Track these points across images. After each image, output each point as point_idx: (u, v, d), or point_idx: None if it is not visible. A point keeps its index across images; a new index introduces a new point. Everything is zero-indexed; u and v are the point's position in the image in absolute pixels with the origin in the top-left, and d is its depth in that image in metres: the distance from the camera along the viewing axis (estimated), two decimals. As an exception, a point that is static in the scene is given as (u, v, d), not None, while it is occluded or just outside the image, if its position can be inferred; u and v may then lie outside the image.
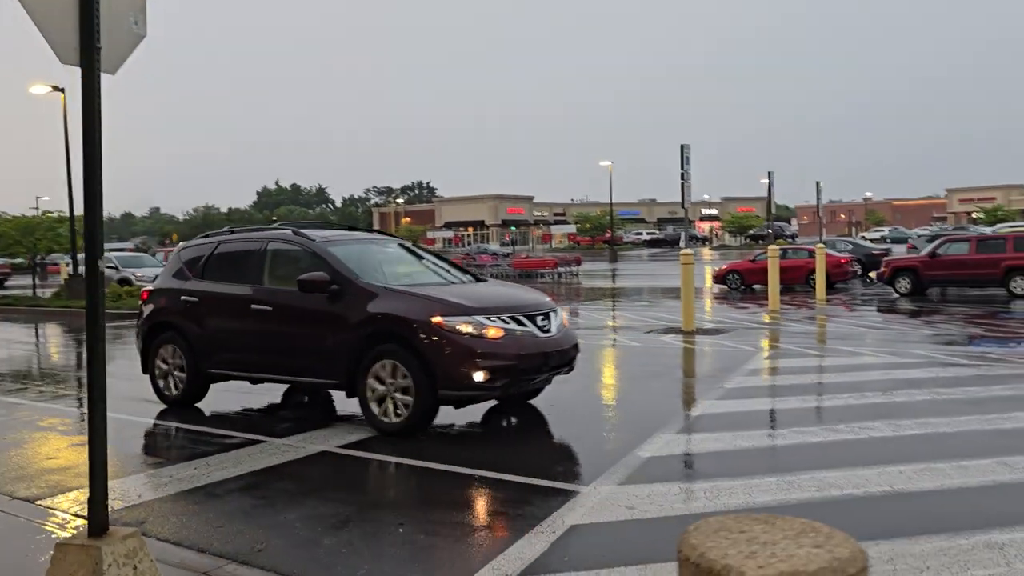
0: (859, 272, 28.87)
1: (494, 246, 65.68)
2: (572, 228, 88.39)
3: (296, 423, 8.12)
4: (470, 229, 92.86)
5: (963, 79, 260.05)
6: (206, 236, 9.54)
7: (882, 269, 24.17)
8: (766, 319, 17.42)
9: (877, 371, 10.05)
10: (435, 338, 6.96)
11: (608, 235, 76.64)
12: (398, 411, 7.15)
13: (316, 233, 8.49)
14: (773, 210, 24.42)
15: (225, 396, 9.35)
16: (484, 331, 7.04)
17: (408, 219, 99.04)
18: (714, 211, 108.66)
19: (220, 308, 8.53)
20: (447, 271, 8.82)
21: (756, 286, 26.82)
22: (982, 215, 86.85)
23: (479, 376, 6.88)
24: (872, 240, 55.96)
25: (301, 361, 7.85)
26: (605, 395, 9.54)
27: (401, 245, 9.42)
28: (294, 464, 6.62)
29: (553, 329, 7.61)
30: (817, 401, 8.38)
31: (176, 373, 8.88)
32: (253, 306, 8.15)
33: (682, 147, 15.26)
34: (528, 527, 4.87)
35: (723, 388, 9.27)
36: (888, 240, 60.63)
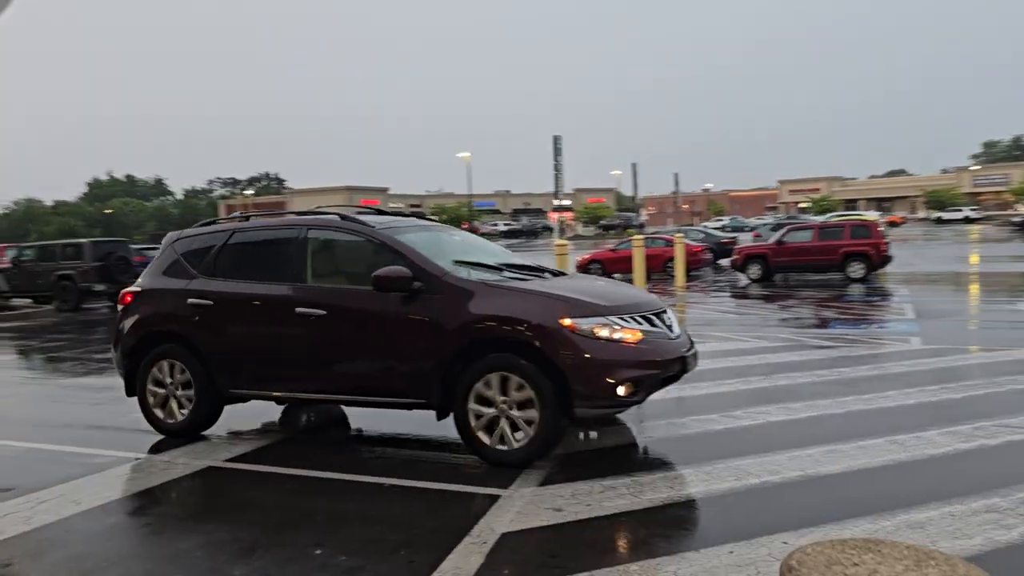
0: (712, 260, 30.27)
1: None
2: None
3: (165, 441, 7.38)
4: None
5: (790, 78, 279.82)
6: (206, 224, 7.77)
7: (734, 256, 25.45)
8: (635, 307, 17.81)
9: (752, 356, 10.43)
10: (569, 345, 5.73)
11: (465, 226, 76.69)
12: (517, 434, 5.90)
13: (371, 219, 7.07)
14: (638, 199, 25.12)
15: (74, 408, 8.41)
16: (623, 334, 5.90)
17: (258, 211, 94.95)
18: (567, 202, 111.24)
19: (247, 313, 6.87)
20: (523, 262, 7.34)
21: (616, 275, 27.57)
22: (809, 205, 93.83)
23: (622, 389, 5.75)
24: (714, 229, 58.95)
25: (371, 377, 6.39)
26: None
27: (464, 232, 8.17)
28: (179, 484, 5.99)
29: (676, 329, 6.55)
30: (708, 388, 8.54)
31: (180, 393, 7.16)
32: (298, 310, 6.56)
33: (555, 138, 15.32)
34: (456, 539, 4.58)
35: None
36: (728, 229, 64.16)
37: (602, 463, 6.01)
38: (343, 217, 7.02)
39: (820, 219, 32.61)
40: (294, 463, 6.30)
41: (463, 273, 6.34)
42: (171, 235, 7.88)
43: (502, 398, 5.91)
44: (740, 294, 20.59)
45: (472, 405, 5.96)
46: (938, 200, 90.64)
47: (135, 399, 7.41)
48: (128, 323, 7.45)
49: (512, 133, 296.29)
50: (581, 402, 5.77)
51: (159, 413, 7.25)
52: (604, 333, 5.83)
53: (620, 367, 5.76)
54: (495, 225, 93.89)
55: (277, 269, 6.89)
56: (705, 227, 46.16)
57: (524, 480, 5.62)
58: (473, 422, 5.96)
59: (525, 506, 5.10)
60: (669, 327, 6.38)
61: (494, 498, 5.27)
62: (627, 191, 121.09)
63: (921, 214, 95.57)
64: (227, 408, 7.37)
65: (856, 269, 22.63)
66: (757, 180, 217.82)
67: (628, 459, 6.13)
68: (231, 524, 5.05)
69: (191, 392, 7.08)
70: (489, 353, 5.94)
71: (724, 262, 31.82)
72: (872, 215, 54.72)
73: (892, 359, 9.86)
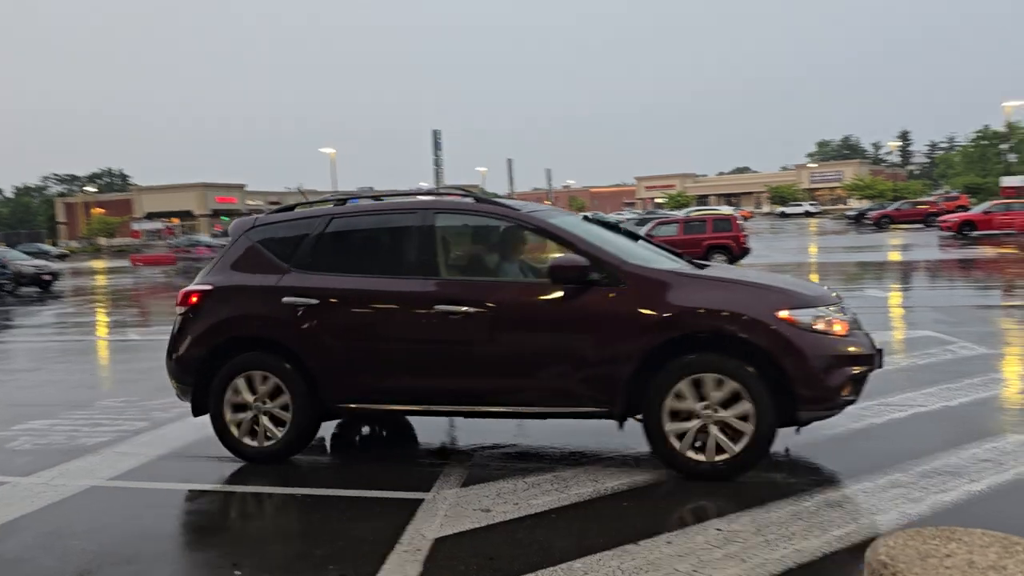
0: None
1: (206, 237, 60.94)
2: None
3: (36, 456, 6.68)
4: (175, 220, 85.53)
5: (642, 71, 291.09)
6: (285, 209, 6.68)
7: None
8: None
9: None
10: (791, 341, 5.06)
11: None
12: (727, 442, 5.18)
13: (508, 201, 6.33)
14: (513, 196, 25.12)
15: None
16: (837, 327, 5.28)
17: (101, 210, 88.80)
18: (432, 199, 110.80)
19: (366, 312, 5.85)
20: (662, 249, 6.60)
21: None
22: (665, 200, 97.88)
23: (846, 389, 5.19)
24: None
25: (535, 383, 5.50)
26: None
27: (588, 217, 7.27)
28: (59, 508, 5.41)
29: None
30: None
31: (270, 409, 6.02)
32: (437, 307, 5.57)
33: (434, 132, 15.25)
34: (387, 548, 4.36)
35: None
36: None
37: (521, 462, 5.93)
38: (478, 199, 6.25)
39: (683, 214, 33.95)
40: (182, 478, 5.85)
41: (641, 261, 5.62)
42: (242, 222, 6.58)
43: (702, 403, 5.19)
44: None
45: (668, 411, 5.23)
46: (781, 196, 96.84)
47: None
48: (197, 328, 6.16)
49: (387, 130, 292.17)
50: (806, 406, 5.15)
51: (240, 434, 6.08)
52: (821, 326, 5.20)
53: (841, 364, 5.17)
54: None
55: (398, 260, 5.95)
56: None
57: (445, 482, 5.46)
58: (668, 429, 5.24)
59: (451, 509, 4.93)
60: (854, 319, 5.70)
61: (417, 502, 5.07)
62: (492, 188, 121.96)
63: (766, 209, 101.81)
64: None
65: (719, 261, 23.75)
66: (616, 177, 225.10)
67: (546, 455, 6.07)
68: (133, 544, 4.60)
69: (284, 408, 5.96)
70: (686, 352, 5.22)
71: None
72: (726, 210, 57.72)
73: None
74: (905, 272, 21.34)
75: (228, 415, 6.05)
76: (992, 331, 11.00)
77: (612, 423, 5.52)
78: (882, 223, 49.01)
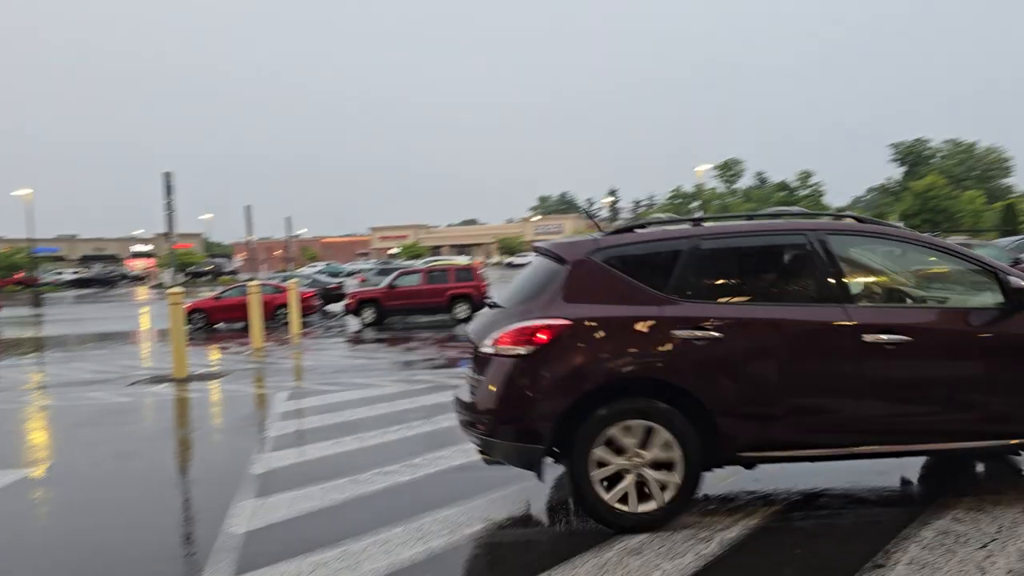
0: (322, 306, 29.94)
1: None
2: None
3: None
4: None
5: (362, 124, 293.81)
6: (624, 230, 5.61)
7: (348, 301, 25.45)
8: (257, 358, 16.75)
9: (404, 400, 10.34)
10: None
11: (21, 275, 66.08)
12: None
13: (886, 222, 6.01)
14: (255, 244, 23.50)
15: None
16: None
17: None
18: (147, 247, 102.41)
19: (780, 344, 5.10)
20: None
21: (221, 324, 25.85)
22: (399, 250, 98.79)
23: None
24: (319, 274, 58.81)
25: (981, 415, 5.14)
26: (136, 467, 7.83)
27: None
28: None
29: None
30: (376, 437, 8.19)
31: (649, 468, 5.01)
32: (866, 337, 5.01)
33: (165, 175, 13.83)
34: None
35: (269, 438, 8.49)
36: (327, 275, 64.55)
37: (298, 537, 5.30)
38: (860, 219, 5.75)
39: (425, 264, 34.28)
40: None
41: None
42: (579, 244, 5.48)
43: None
44: (360, 339, 20.58)
45: None
46: (508, 246, 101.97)
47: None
48: (555, 374, 5.03)
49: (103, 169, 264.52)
50: None
51: (611, 498, 5.00)
52: None
53: None
54: (59, 274, 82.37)
55: (789, 285, 5.46)
56: (315, 272, 45.89)
57: (213, 572, 4.71)
58: None
59: None
60: None
61: (182, 601, 4.30)
62: (217, 237, 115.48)
63: (495, 259, 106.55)
64: None
65: (462, 310, 24.15)
66: (347, 227, 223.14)
67: (324, 526, 5.49)
68: None
69: (665, 464, 5.01)
70: None
71: (332, 307, 31.75)
72: (462, 259, 59.39)
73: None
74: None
75: (596, 478, 5.00)
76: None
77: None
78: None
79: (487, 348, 5.25)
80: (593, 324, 5.09)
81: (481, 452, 5.42)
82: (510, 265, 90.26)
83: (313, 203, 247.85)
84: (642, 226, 5.73)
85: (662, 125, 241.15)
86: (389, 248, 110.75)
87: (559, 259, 5.41)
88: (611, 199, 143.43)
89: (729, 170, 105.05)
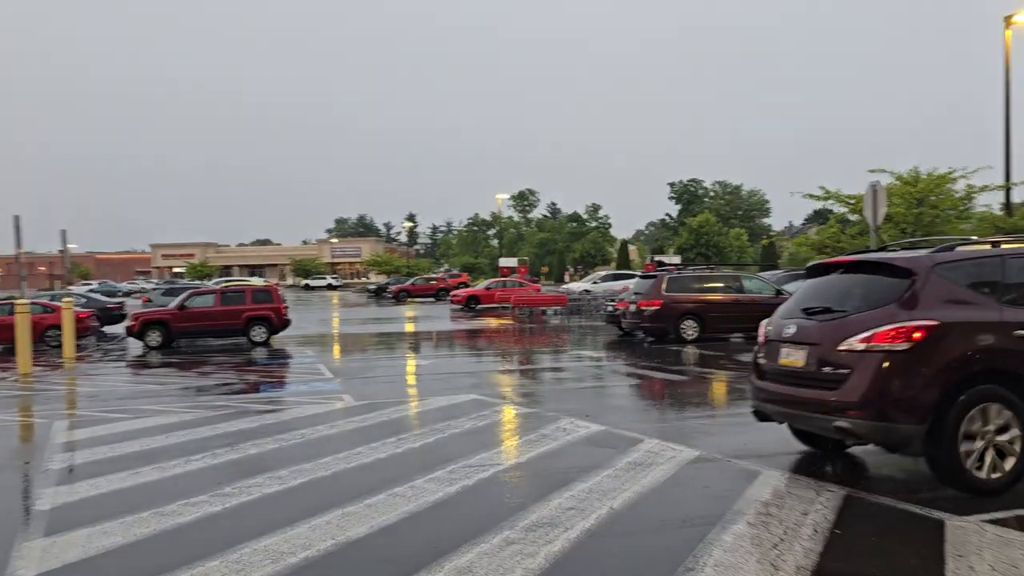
0: (99, 327, 27.47)
1: None
2: None
3: None
4: None
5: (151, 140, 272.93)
6: (953, 248, 6.77)
7: (130, 323, 23.55)
8: (25, 384, 15.07)
9: (204, 427, 9.76)
10: None
11: None
12: None
13: None
14: (22, 258, 20.71)
15: None
16: None
17: None
18: None
19: None
20: None
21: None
22: (184, 269, 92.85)
23: None
24: (94, 293, 53.93)
25: None
26: None
27: None
28: None
29: None
30: (177, 468, 7.66)
31: (1003, 444, 6.07)
32: None
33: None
34: None
35: (52, 470, 7.69)
36: (101, 294, 59.27)
37: (106, 570, 4.86)
38: None
39: (220, 284, 32.41)
40: None
41: None
42: (919, 259, 6.56)
43: None
44: (147, 363, 19.12)
45: None
46: (304, 268, 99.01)
47: None
48: (930, 366, 6.06)
49: None
50: None
51: (970, 466, 6.03)
52: None
53: None
54: None
55: None
56: (87, 291, 42.00)
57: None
58: None
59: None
60: None
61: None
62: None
63: (290, 281, 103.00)
64: None
65: (259, 333, 23.13)
66: (124, 243, 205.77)
67: (124, 565, 5.07)
68: None
69: (1011, 441, 6.09)
70: None
71: (112, 329, 29.22)
72: (256, 280, 56.81)
73: (340, 417, 10.32)
74: (435, 341, 23.31)
75: (964, 451, 5.99)
76: (527, 391, 12.53)
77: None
78: (400, 296, 53.13)
79: (852, 346, 6.23)
80: (954, 325, 6.16)
81: (840, 434, 6.32)
82: (306, 287, 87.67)
83: (84, 214, 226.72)
84: (952, 247, 6.78)
85: (463, 155, 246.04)
86: (173, 267, 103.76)
87: (903, 272, 6.45)
88: (410, 224, 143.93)
89: (524, 200, 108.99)
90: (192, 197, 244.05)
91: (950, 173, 16.59)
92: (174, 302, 24.63)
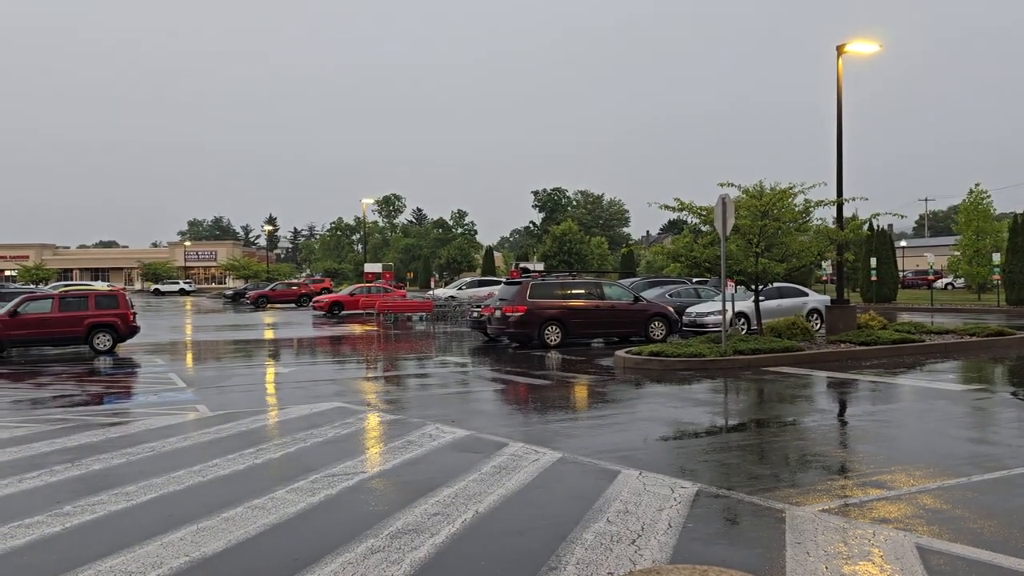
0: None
1: None
2: None
3: None
4: None
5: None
6: None
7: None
8: None
9: (40, 442, 9.07)
10: None
11: None
12: None
13: None
14: None
15: None
16: None
17: None
18: None
19: None
20: None
21: None
22: (16, 272, 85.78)
23: None
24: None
25: None
26: None
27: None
28: None
29: None
30: (9, 487, 7.06)
31: None
32: None
33: None
34: None
35: None
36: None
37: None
38: None
39: (59, 288, 30.15)
40: None
41: None
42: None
43: None
44: (-28, 374, 17.50)
45: None
46: (155, 272, 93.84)
47: None
48: None
49: None
50: None
51: None
52: None
53: None
54: None
55: None
56: None
57: None
58: None
59: None
60: None
61: None
62: None
63: (138, 285, 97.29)
64: None
65: (103, 341, 21.69)
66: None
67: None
68: None
69: None
70: None
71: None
72: (100, 285, 53.29)
73: (194, 428, 9.86)
74: (296, 348, 22.65)
75: None
76: (392, 397, 12.39)
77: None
78: (260, 302, 51.25)
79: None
80: None
81: None
82: (156, 292, 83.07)
83: None
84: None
85: (328, 158, 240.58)
86: (4, 269, 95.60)
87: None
88: (270, 227, 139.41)
89: (390, 205, 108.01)
90: (27, 193, 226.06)
91: (791, 188, 17.73)
92: (5, 308, 22.71)
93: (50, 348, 22.06)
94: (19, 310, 21.72)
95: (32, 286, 54.44)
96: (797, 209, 18.06)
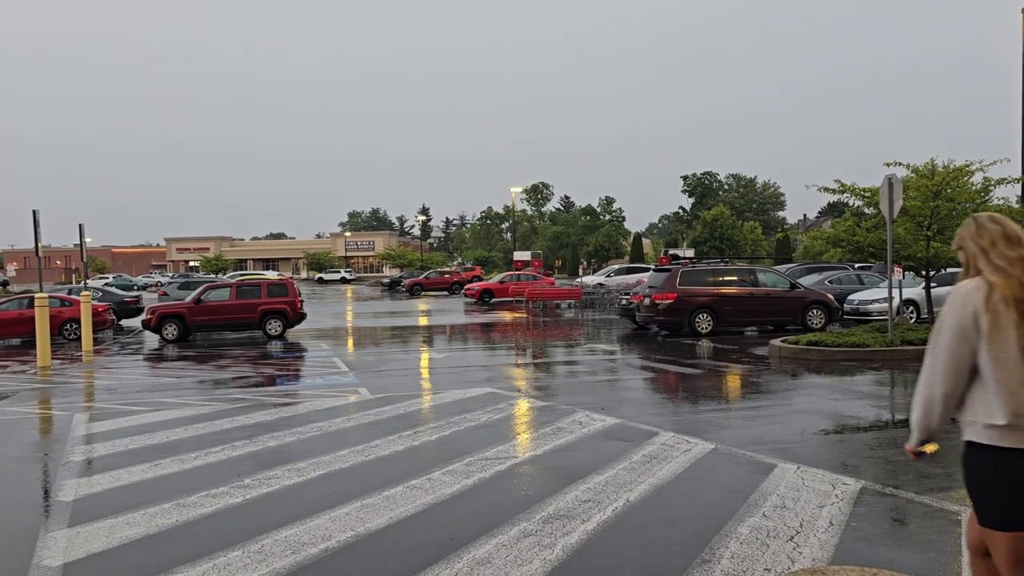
0: (116, 321, 27.73)
1: None
2: None
3: None
4: None
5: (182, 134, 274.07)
6: None
7: (147, 316, 23.77)
8: (44, 377, 15.25)
9: (223, 419, 9.87)
10: None
11: None
12: None
13: None
14: (42, 252, 20.50)
15: None
16: None
17: None
18: None
19: None
20: None
21: (-2, 341, 23.36)
22: (199, 263, 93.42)
23: None
24: (100, 288, 54.38)
25: None
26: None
27: None
28: None
29: None
30: (198, 459, 7.76)
31: None
32: None
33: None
34: None
35: (73, 462, 7.81)
36: (115, 287, 59.78)
37: (126, 568, 4.94)
38: None
39: (235, 278, 32.64)
40: None
41: None
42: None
43: None
44: (164, 356, 19.28)
45: None
46: (318, 262, 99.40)
47: None
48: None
49: None
50: None
51: None
52: None
53: None
54: None
55: None
56: (103, 285, 42.40)
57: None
58: None
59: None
60: None
61: None
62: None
63: (304, 274, 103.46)
64: None
65: (274, 326, 23.28)
66: (140, 237, 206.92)
67: (151, 556, 5.16)
68: None
69: None
70: None
71: (128, 322, 29.50)
72: (271, 274, 57.16)
73: (356, 410, 10.40)
74: (448, 335, 23.37)
75: None
76: (542, 384, 12.57)
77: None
78: (414, 290, 53.25)
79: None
80: None
81: None
82: (320, 281, 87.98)
83: (101, 208, 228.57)
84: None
85: (476, 147, 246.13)
86: (187, 260, 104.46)
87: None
88: (423, 217, 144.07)
89: (538, 193, 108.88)
90: (208, 190, 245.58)
91: (967, 166, 16.34)
92: (190, 296, 24.82)
93: (229, 333, 23.91)
94: (202, 298, 23.69)
95: (212, 276, 59.09)
96: (974, 188, 16.64)
